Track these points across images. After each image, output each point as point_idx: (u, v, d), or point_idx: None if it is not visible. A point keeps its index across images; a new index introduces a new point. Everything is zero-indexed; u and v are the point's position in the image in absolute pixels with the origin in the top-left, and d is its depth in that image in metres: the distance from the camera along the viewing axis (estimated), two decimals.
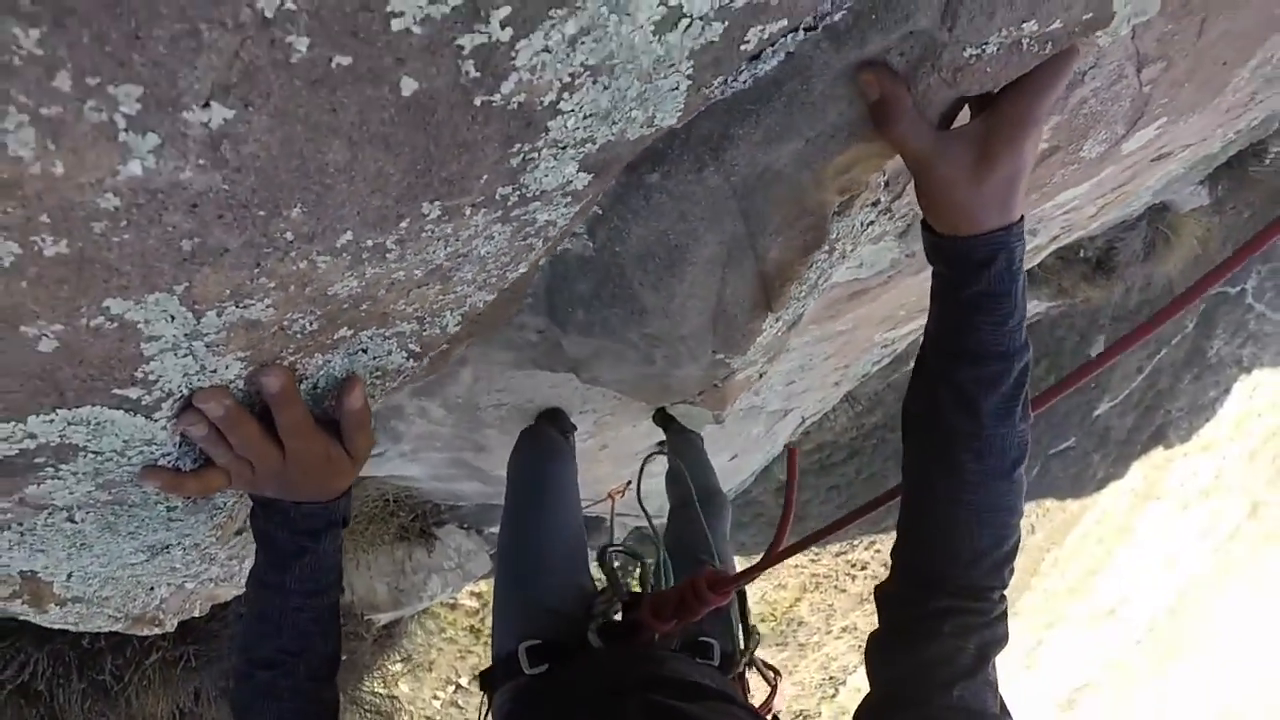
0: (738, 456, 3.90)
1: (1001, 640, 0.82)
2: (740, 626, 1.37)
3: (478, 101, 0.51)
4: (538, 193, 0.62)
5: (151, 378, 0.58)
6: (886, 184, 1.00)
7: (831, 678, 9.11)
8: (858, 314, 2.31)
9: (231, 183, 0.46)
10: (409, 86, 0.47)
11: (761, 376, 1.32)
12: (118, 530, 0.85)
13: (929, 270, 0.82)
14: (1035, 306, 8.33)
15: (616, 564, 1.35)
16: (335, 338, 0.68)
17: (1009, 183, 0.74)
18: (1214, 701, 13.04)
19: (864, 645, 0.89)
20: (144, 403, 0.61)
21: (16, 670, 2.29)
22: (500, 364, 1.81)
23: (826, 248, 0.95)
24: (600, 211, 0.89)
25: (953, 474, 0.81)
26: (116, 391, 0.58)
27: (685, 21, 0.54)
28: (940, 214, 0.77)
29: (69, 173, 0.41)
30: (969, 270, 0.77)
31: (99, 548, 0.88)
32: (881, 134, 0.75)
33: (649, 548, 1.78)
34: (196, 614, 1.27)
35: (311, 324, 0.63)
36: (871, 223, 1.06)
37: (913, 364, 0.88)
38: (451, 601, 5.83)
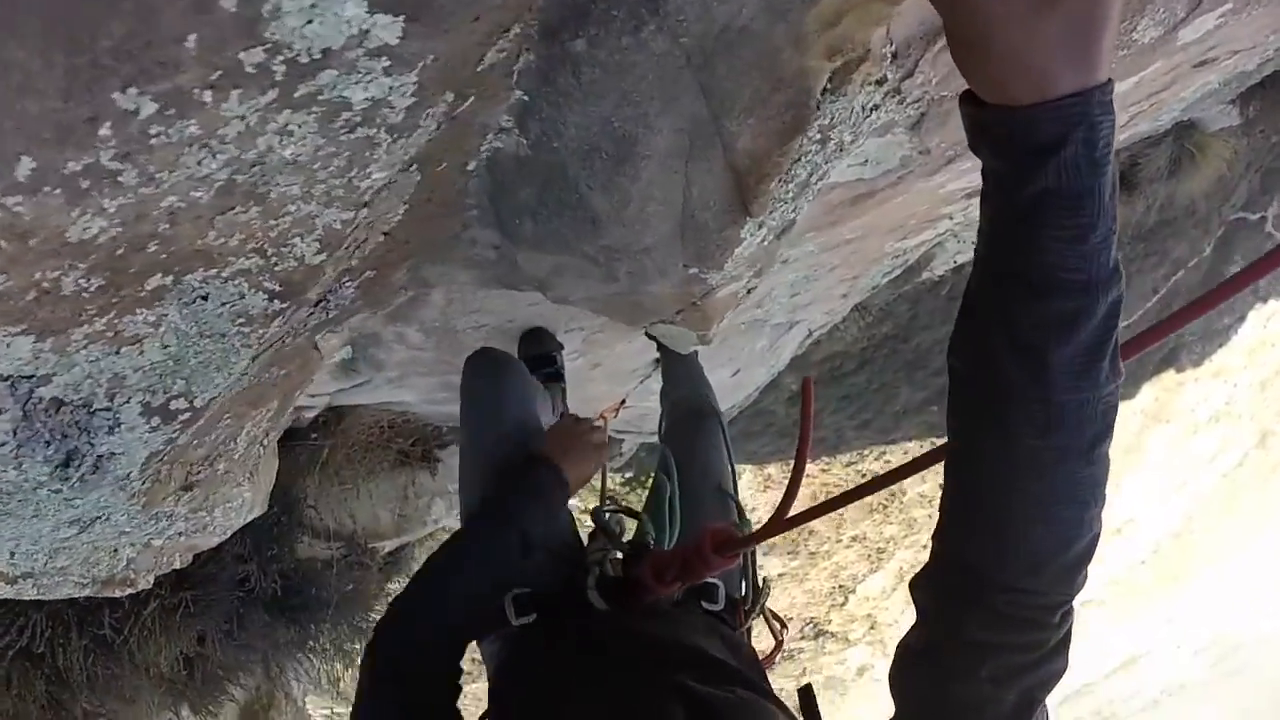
0: (740, 372, 3.76)
1: (1056, 675, 0.65)
2: (748, 580, 1.26)
3: None
4: (317, 54, 0.44)
5: None
6: (894, 56, 0.79)
7: (841, 586, 9.25)
8: (864, 220, 2.11)
9: None
10: None
11: (750, 292, 1.14)
12: (19, 515, 0.76)
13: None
14: None
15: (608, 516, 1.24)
16: (148, 288, 0.52)
17: (1088, 21, 0.49)
18: (1214, 625, 13.35)
19: (904, 584, 0.73)
20: None
21: (16, 634, 2.25)
22: (466, 284, 1.66)
23: (817, 135, 0.76)
24: (526, 98, 0.70)
25: (1009, 453, 0.61)
26: None
27: None
28: (985, 72, 0.52)
29: None
30: (1030, 158, 0.53)
31: (8, 531, 0.79)
32: None
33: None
34: (177, 565, 1.23)
35: (90, 281, 0.48)
36: (876, 107, 0.86)
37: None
38: (456, 525, 5.87)
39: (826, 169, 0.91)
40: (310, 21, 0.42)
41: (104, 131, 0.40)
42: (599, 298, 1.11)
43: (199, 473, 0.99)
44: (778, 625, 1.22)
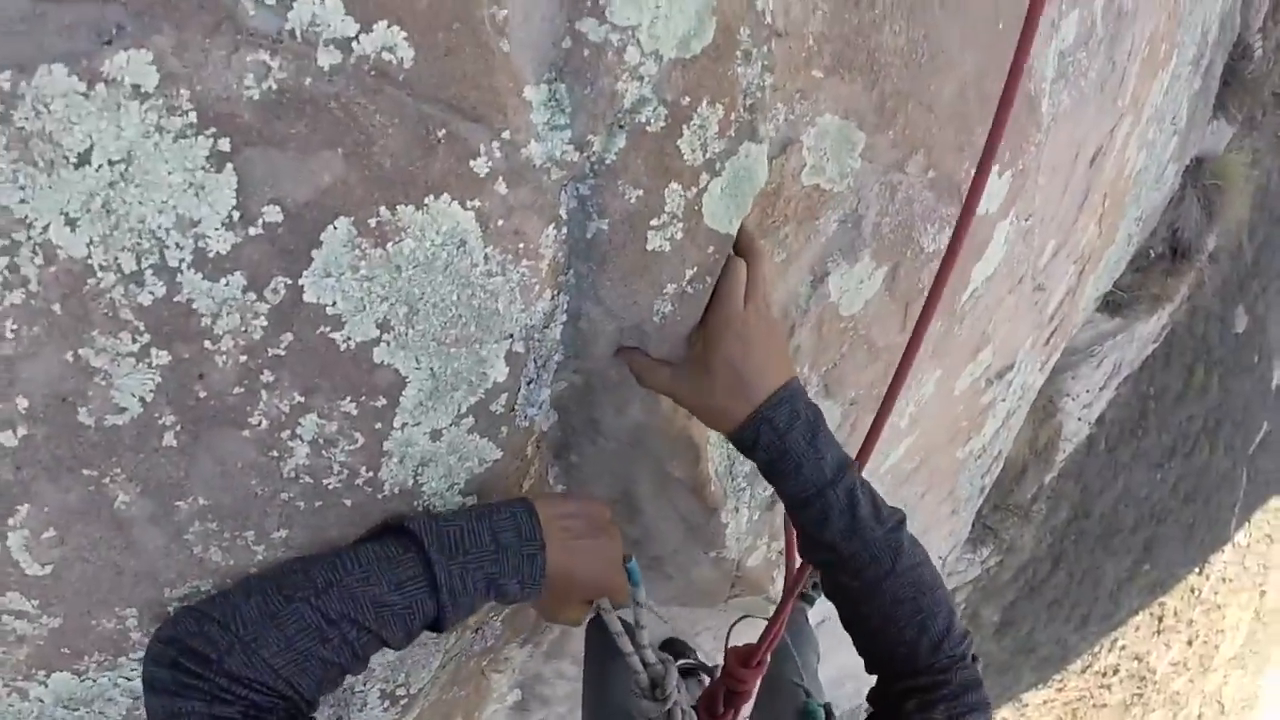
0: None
1: (976, 707, 0.88)
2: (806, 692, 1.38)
3: None
4: None
5: None
6: None
7: None
8: (907, 448, 2.42)
9: None
10: None
11: (780, 555, 1.48)
12: None
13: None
14: (1152, 326, 7.86)
15: None
16: None
17: (732, 377, 0.87)
18: None
19: None
20: None
21: None
22: None
23: (726, 459, 1.20)
24: (562, 487, 1.16)
25: (846, 596, 0.93)
26: None
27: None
28: (711, 423, 0.94)
29: None
30: (750, 451, 0.90)
31: None
32: (650, 387, 0.93)
33: None
34: None
35: None
36: None
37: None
38: None
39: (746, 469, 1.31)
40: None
41: None
42: (675, 594, 1.46)
43: None
44: None
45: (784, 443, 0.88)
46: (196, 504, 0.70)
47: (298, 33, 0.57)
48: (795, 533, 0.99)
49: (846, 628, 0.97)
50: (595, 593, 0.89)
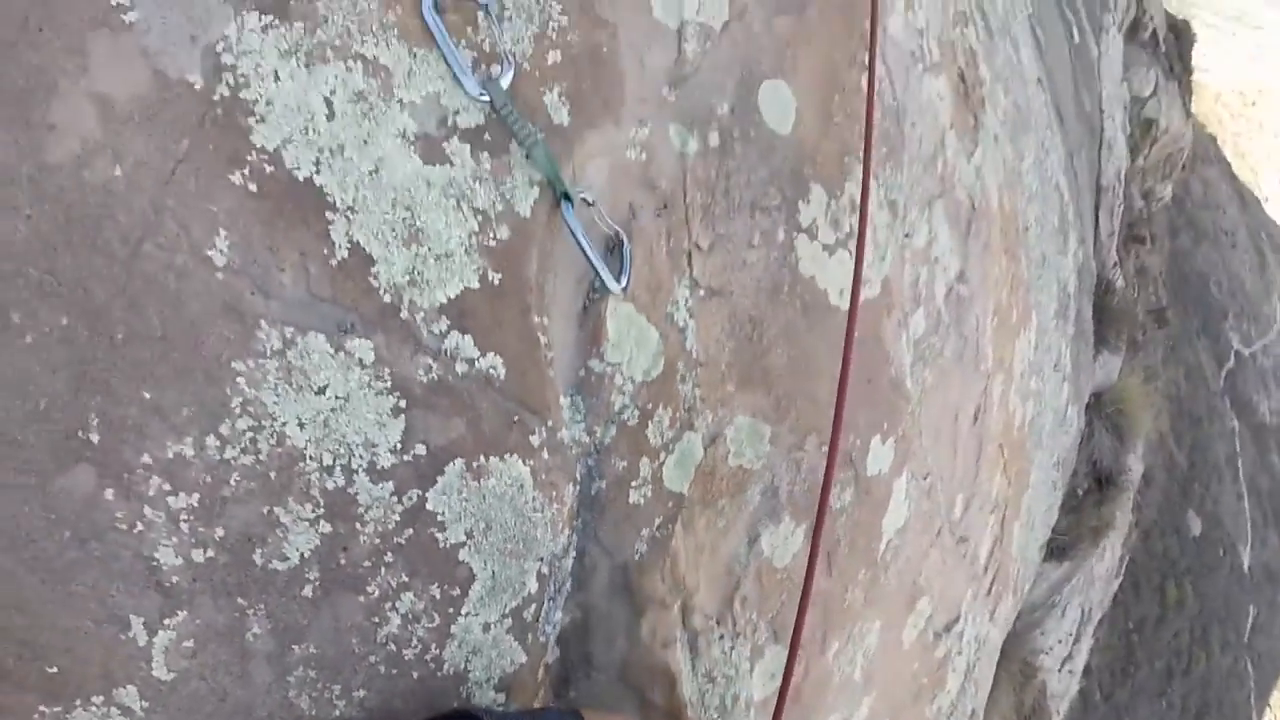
0: None
1: None
2: None
3: None
4: None
5: None
6: (717, 620, 1.66)
7: None
8: (871, 704, 2.74)
9: None
10: None
11: None
12: None
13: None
14: (1108, 562, 8.47)
15: None
16: None
17: None
18: None
19: None
20: None
21: None
22: None
23: (705, 676, 1.57)
24: None
25: None
26: None
27: None
28: None
29: None
30: None
31: None
32: None
33: None
34: None
35: None
36: (732, 648, 1.70)
37: None
38: None
39: (738, 694, 1.68)
40: None
41: None
42: None
43: None
44: None
45: None
46: (307, 651, 1.05)
47: (448, 351, 1.11)
48: None
49: None
50: None
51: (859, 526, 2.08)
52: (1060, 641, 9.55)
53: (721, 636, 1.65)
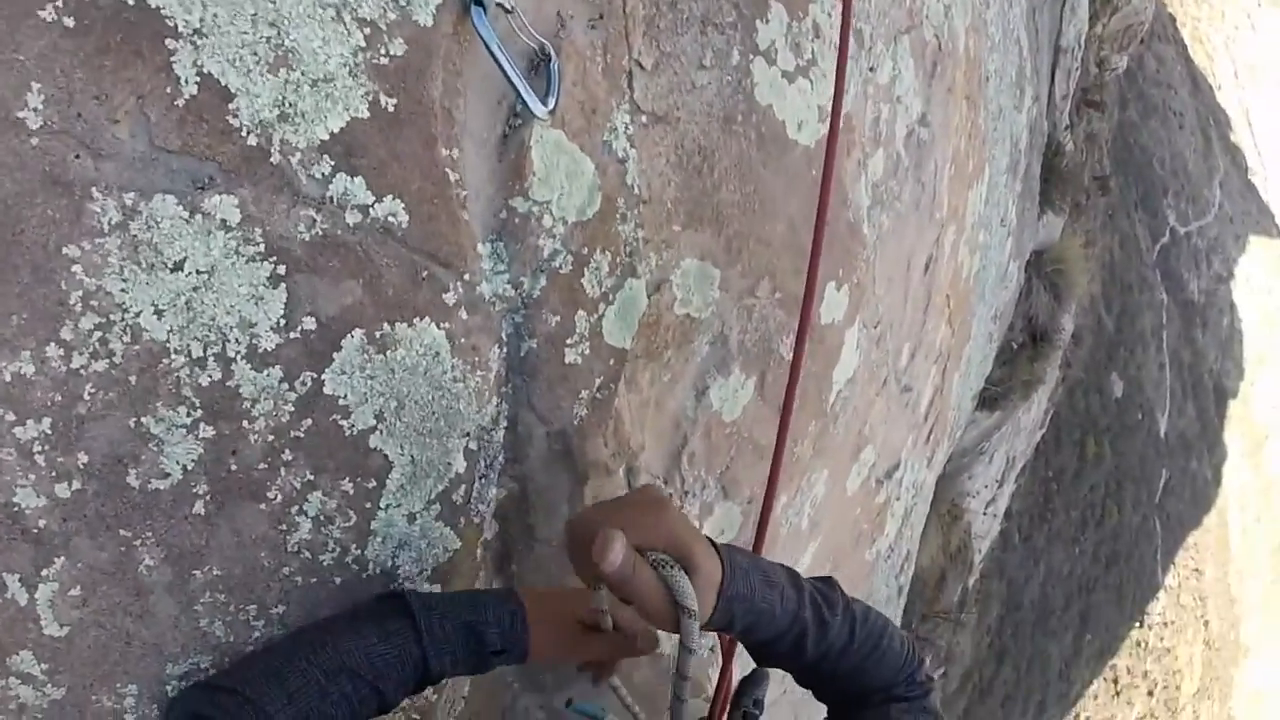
0: None
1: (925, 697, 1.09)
2: None
3: None
4: None
5: None
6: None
7: None
8: (816, 550, 2.76)
9: None
10: None
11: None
12: None
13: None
14: (1035, 414, 8.76)
15: None
16: None
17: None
18: None
19: None
20: None
21: None
22: None
23: None
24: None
25: (816, 674, 1.06)
26: None
27: None
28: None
29: None
30: (727, 629, 0.96)
31: None
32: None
33: None
34: None
35: None
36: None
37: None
38: None
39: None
40: None
41: None
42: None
43: None
44: None
45: (755, 606, 0.96)
46: (210, 574, 0.90)
47: (334, 199, 0.89)
48: (757, 659, 1.10)
49: (811, 688, 1.11)
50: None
51: (810, 378, 1.98)
52: (986, 486, 10.02)
53: (670, 495, 1.55)
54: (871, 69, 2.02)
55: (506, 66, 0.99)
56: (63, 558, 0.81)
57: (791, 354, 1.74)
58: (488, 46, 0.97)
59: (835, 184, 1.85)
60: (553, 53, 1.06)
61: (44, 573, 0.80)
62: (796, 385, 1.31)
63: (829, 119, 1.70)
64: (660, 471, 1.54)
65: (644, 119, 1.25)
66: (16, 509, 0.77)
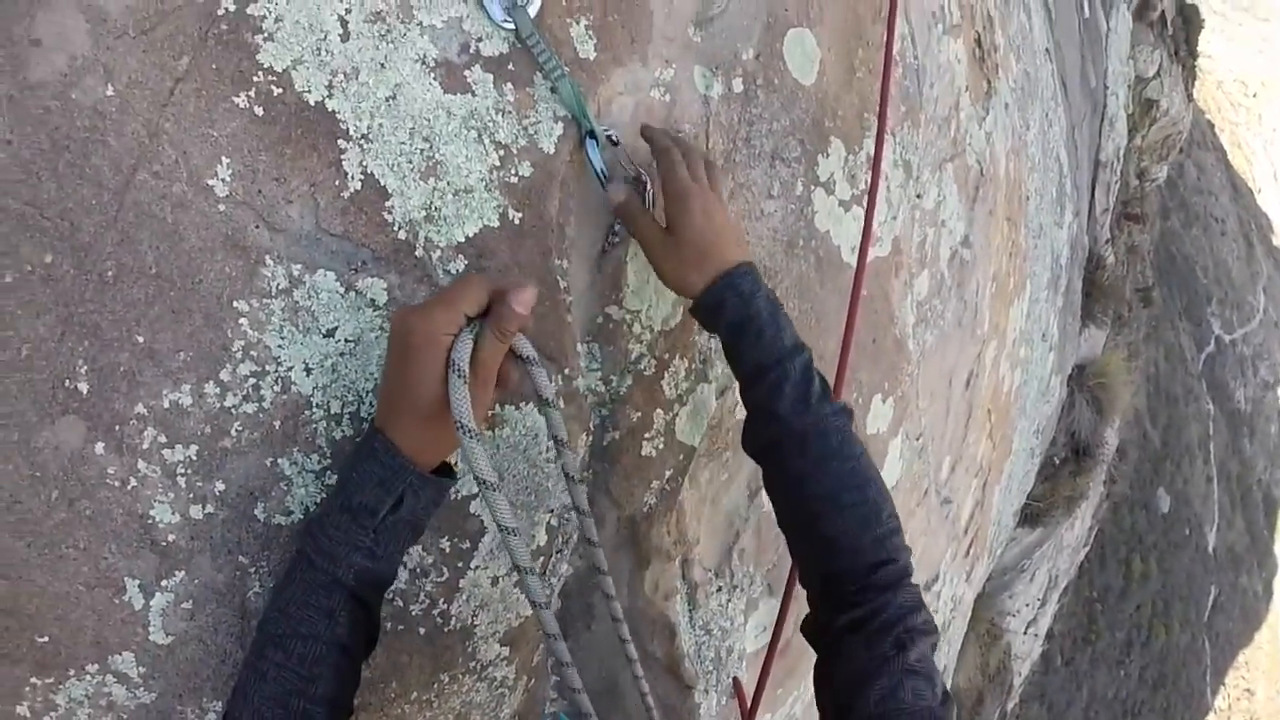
0: None
1: (920, 630, 0.91)
2: None
3: None
4: None
5: None
6: (715, 573, 1.66)
7: None
8: None
9: None
10: None
11: None
12: None
13: None
14: (1078, 532, 8.62)
15: None
16: None
17: (698, 246, 1.05)
18: None
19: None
20: None
21: None
22: None
23: (703, 631, 1.58)
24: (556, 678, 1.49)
25: (790, 478, 0.99)
26: None
27: None
28: (679, 287, 1.09)
29: None
30: (714, 315, 1.05)
31: None
32: (633, 234, 1.11)
33: None
34: None
35: None
36: (729, 601, 1.70)
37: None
38: None
39: (731, 646, 1.69)
40: None
41: None
42: None
43: None
44: None
45: (749, 308, 1.02)
46: None
47: None
48: (743, 431, 1.11)
49: (785, 523, 1.05)
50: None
51: None
52: (1027, 605, 9.78)
53: (719, 589, 1.65)
54: (918, 195, 2.19)
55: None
56: (183, 573, 0.91)
57: None
58: (597, 174, 1.16)
59: (883, 302, 2.00)
60: (649, 181, 1.22)
61: (163, 583, 0.90)
62: None
63: (881, 242, 1.87)
64: (712, 564, 1.65)
65: None
66: (150, 521, 0.88)
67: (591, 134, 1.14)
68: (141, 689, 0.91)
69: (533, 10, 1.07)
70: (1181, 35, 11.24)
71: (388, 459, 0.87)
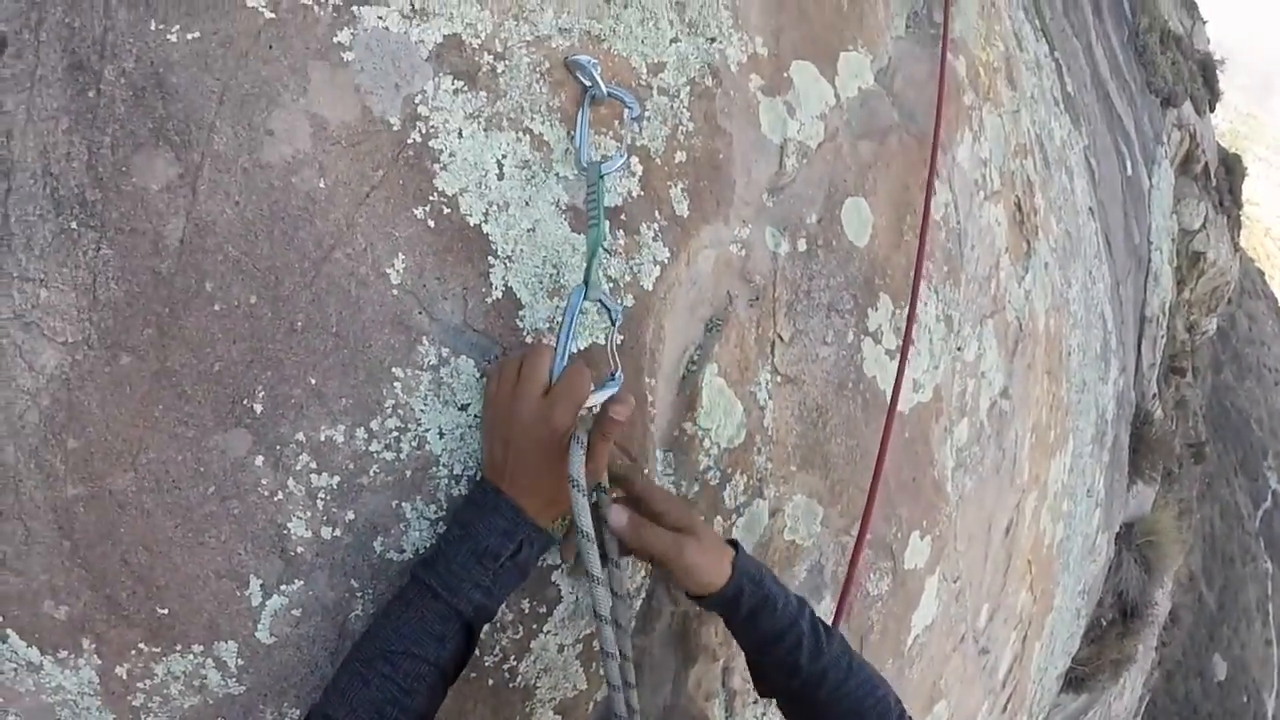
0: None
1: None
2: None
3: None
4: None
5: None
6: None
7: None
8: None
9: None
10: None
11: None
12: None
13: None
14: (1128, 700, 8.25)
15: None
16: None
17: (715, 551, 1.16)
18: None
19: None
20: None
21: None
22: None
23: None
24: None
25: (812, 710, 1.18)
26: None
27: None
28: (694, 584, 1.16)
29: None
30: (734, 602, 1.16)
31: None
32: (651, 551, 1.16)
33: None
34: None
35: None
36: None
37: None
38: None
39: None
40: None
41: None
42: None
43: None
44: None
45: (763, 589, 1.18)
46: None
47: None
48: (755, 677, 1.28)
49: None
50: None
51: (891, 616, 2.19)
52: None
53: (755, 701, 1.76)
54: (959, 348, 2.39)
55: (567, 335, 1.13)
56: (301, 582, 1.03)
57: (875, 590, 1.99)
58: (567, 315, 1.14)
59: (924, 445, 2.16)
60: (620, 374, 1.20)
61: (282, 588, 1.02)
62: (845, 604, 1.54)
63: (923, 389, 2.05)
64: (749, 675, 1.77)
65: (779, 378, 1.62)
66: (286, 532, 1.02)
67: (586, 283, 1.16)
68: (234, 680, 1.02)
69: (612, 168, 1.27)
70: (1225, 185, 11.43)
71: (510, 514, 1.04)
